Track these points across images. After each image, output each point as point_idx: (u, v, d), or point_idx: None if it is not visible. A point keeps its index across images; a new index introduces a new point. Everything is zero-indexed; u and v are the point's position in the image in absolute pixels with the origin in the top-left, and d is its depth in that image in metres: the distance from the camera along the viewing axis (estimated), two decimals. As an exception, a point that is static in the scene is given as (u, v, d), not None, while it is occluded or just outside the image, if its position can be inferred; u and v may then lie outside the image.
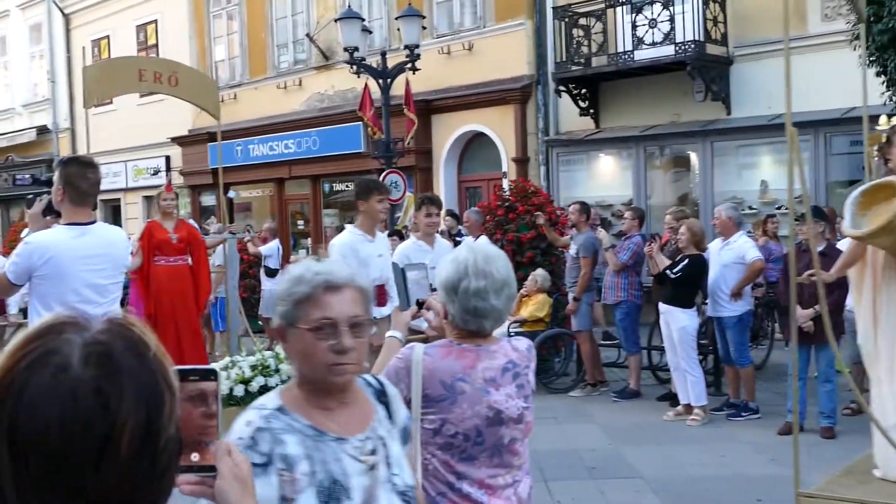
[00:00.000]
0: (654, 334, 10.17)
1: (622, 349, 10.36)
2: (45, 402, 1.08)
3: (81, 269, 4.91)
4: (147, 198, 24.18)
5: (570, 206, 11.28)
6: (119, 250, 5.12)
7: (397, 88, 15.10)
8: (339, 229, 18.72)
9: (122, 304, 7.70)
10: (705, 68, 13.61)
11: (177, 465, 1.17)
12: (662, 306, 8.87)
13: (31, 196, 9.93)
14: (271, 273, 13.22)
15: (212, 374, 1.47)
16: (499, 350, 2.86)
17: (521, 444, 2.87)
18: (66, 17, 26.00)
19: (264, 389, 7.50)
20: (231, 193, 13.18)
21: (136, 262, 8.46)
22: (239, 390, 7.55)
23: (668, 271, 8.78)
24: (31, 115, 27.44)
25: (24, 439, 1.06)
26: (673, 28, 13.66)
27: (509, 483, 2.89)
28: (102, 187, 5.38)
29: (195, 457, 1.45)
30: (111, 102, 22.93)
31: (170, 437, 1.14)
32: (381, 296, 6.63)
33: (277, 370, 7.76)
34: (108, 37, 24.79)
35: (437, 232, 7.58)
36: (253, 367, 7.69)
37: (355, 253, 6.70)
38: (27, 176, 24.95)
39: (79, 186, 5.02)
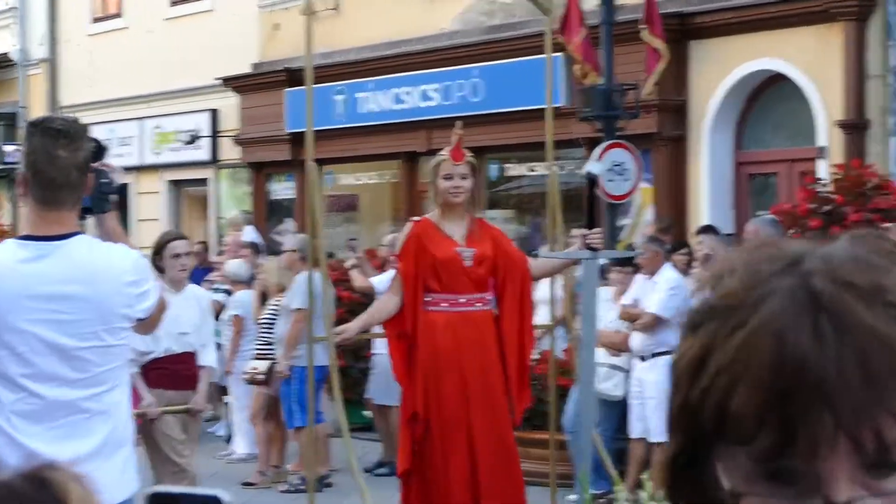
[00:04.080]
0: None
1: None
2: None
3: (31, 317, 4.83)
4: (175, 183, 24.03)
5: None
6: (110, 286, 4.88)
7: (628, -6, 15.30)
8: (524, 243, 18.68)
9: None
10: None
11: None
12: None
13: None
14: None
15: None
16: None
17: None
18: None
19: None
20: (593, 166, 10.39)
21: (391, 305, 8.15)
22: None
23: None
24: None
25: None
26: None
27: None
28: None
29: None
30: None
31: None
32: None
33: None
34: None
35: None
36: None
37: None
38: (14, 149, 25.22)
39: (43, 172, 4.89)
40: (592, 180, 9.43)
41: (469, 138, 18.30)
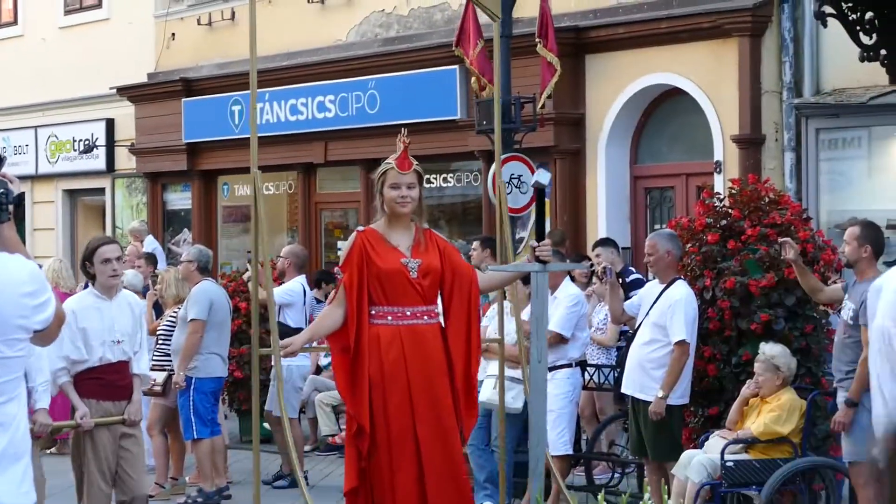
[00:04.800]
0: None
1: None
2: None
3: None
4: (71, 192, 23.83)
5: (843, 226, 11.26)
6: (6, 297, 4.76)
7: (524, 9, 14.90)
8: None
9: None
10: None
11: None
12: None
13: None
14: (290, 333, 11.48)
15: None
16: None
17: None
18: None
19: None
20: (541, 176, 9.82)
21: (336, 316, 7.77)
22: None
23: None
24: None
25: None
26: None
27: None
28: (-5, 173, 5.64)
29: None
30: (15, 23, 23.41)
31: None
32: None
33: None
34: None
35: None
36: None
37: None
38: None
39: None
40: (541, 191, 9.20)
41: (364, 150, 18.25)
